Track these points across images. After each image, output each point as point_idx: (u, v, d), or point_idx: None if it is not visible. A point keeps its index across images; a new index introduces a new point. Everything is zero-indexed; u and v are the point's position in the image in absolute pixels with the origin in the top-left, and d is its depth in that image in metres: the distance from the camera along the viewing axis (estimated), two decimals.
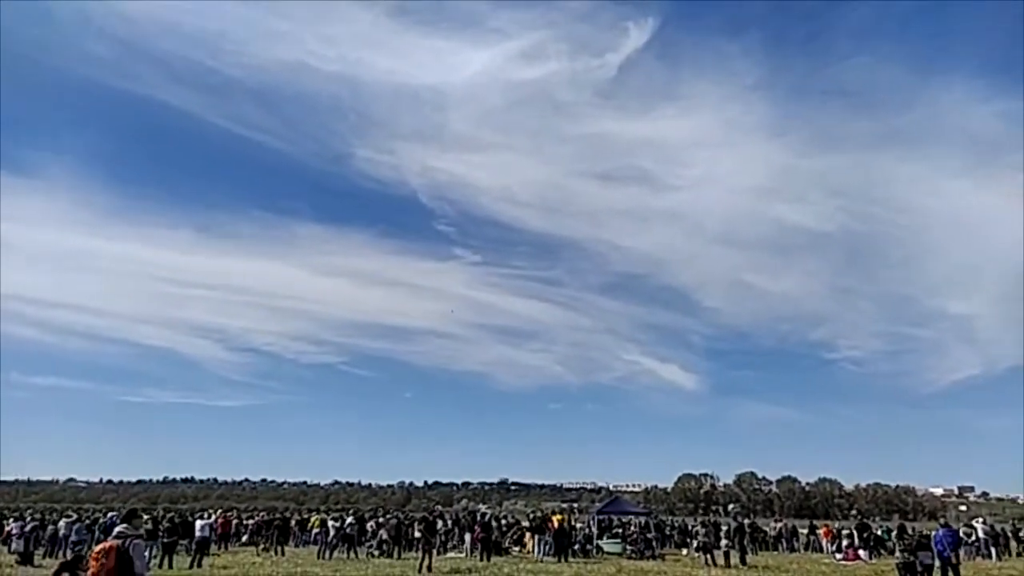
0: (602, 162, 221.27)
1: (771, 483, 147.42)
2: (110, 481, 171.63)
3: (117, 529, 7.79)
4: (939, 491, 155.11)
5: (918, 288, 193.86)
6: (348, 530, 30.38)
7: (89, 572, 7.39)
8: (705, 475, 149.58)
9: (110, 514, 34.76)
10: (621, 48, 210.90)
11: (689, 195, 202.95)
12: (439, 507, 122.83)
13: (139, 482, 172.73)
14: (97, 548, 7.58)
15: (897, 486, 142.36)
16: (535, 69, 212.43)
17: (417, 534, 27.40)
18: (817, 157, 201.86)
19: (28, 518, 29.78)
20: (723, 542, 26.73)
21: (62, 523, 30.37)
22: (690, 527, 37.72)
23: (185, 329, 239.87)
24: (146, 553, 7.78)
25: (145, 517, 24.70)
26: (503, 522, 37.98)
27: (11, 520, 32.15)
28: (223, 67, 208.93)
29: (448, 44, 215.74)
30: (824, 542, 38.06)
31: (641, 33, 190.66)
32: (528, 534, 31.12)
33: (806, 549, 38.91)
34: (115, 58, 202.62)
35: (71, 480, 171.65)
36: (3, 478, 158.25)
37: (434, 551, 23.80)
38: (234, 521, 38.89)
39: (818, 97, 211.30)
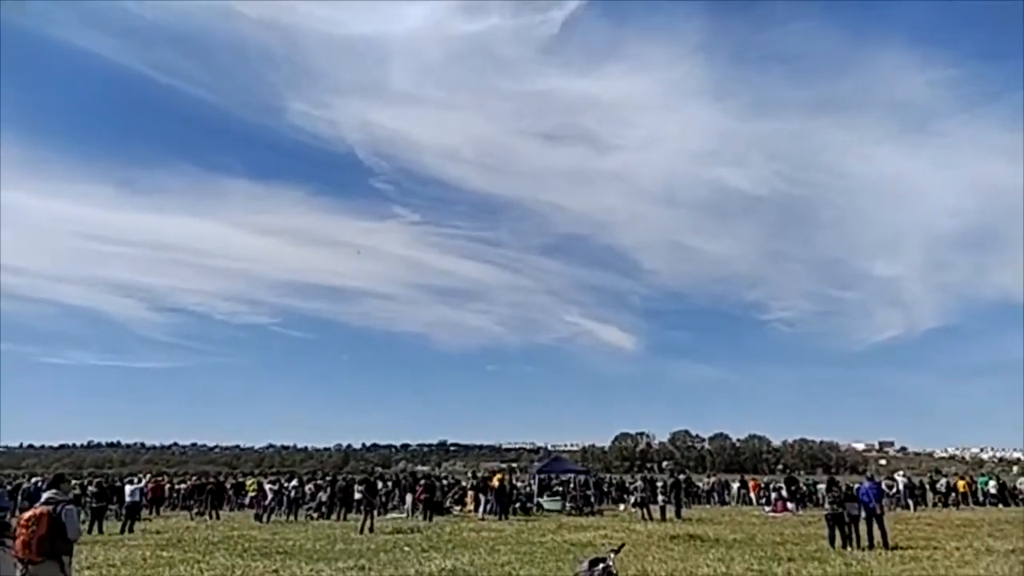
0: (545, 121, 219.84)
1: (703, 440, 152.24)
2: (31, 446, 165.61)
3: (46, 495, 7.35)
4: (861, 446, 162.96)
5: (847, 251, 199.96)
6: (293, 493, 30.02)
7: (19, 540, 6.98)
8: (641, 434, 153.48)
9: (34, 479, 33.43)
10: (565, 4, 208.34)
11: (632, 156, 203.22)
12: (379, 469, 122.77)
13: (62, 447, 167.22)
14: (26, 515, 7.17)
15: (822, 441, 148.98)
16: (476, 23, 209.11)
17: (358, 495, 27.16)
18: (757, 122, 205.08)
19: None
20: (659, 497, 27.35)
21: None
22: (627, 484, 38.55)
23: (108, 288, 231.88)
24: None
25: (72, 482, 23.76)
26: (444, 482, 38.10)
27: None
28: (144, 10, 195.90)
29: None
30: (753, 496, 39.55)
31: None
32: (470, 493, 31.28)
33: (737, 503, 40.27)
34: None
35: None
36: None
37: (375, 512, 23.65)
38: (166, 486, 37.97)
39: (757, 62, 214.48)
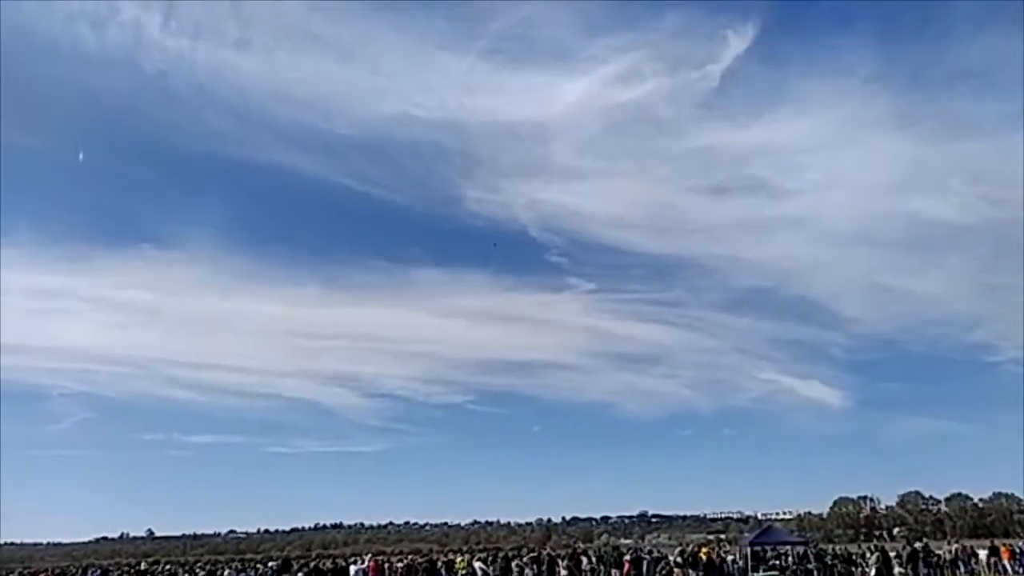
0: (712, 175, 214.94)
1: (939, 502, 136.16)
2: (267, 531, 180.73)
3: None
4: None
5: None
6: (500, 572, 30.60)
7: None
8: (864, 498, 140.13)
9: (270, 564, 36.54)
10: (721, 58, 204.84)
11: (811, 199, 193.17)
12: (581, 543, 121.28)
13: (293, 530, 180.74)
14: None
15: None
16: (633, 90, 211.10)
17: (564, 572, 27.05)
18: (951, 144, 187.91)
19: (198, 570, 31.79)
20: (896, 570, 24.83)
21: (226, 573, 32.19)
22: (854, 555, 35.26)
23: (322, 379, 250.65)
24: None
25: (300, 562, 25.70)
26: (649, 556, 36.96)
27: (183, 573, 34.37)
28: (334, 127, 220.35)
29: (543, 78, 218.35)
30: (1008, 563, 34.66)
31: (741, 40, 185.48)
32: (677, 571, 30.10)
33: (989, 572, 35.52)
34: (234, 129, 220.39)
35: (231, 532, 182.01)
36: (171, 533, 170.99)
37: None
38: (384, 565, 39.89)
39: (943, 81, 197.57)
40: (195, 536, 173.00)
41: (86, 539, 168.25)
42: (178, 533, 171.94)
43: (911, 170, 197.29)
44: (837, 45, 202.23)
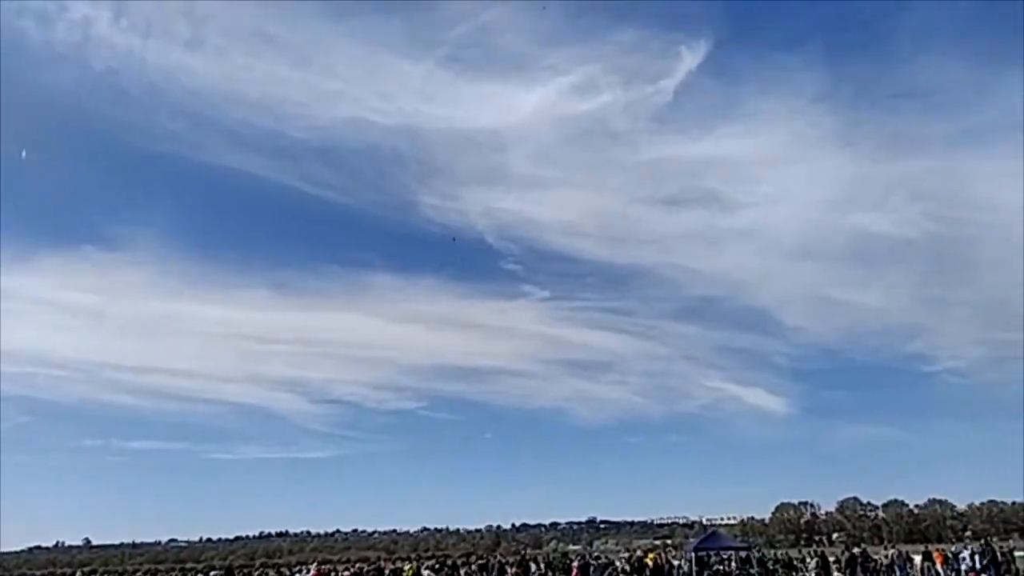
0: (666, 187, 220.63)
1: (877, 508, 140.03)
2: (209, 539, 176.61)
3: None
4: None
5: (1016, 290, 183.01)
6: None
7: None
8: (805, 503, 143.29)
9: (212, 573, 35.75)
10: (675, 72, 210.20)
11: (760, 212, 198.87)
12: (529, 550, 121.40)
13: (237, 539, 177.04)
14: None
15: (1014, 502, 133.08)
16: (589, 102, 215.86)
17: None
18: (893, 162, 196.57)
19: None
20: (835, 575, 25.52)
21: None
22: (794, 560, 36.10)
23: (269, 384, 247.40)
24: None
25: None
26: (597, 562, 37.24)
27: None
28: (287, 130, 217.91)
29: (501, 87, 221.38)
30: (940, 568, 35.86)
31: (695, 56, 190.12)
32: None
33: None
34: (185, 130, 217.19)
35: (172, 540, 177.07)
36: (109, 542, 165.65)
37: None
38: (331, 573, 39.42)
39: (886, 101, 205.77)
40: (134, 545, 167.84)
41: (19, 548, 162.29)
42: (116, 542, 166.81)
43: (855, 186, 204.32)
44: (787, 63, 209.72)
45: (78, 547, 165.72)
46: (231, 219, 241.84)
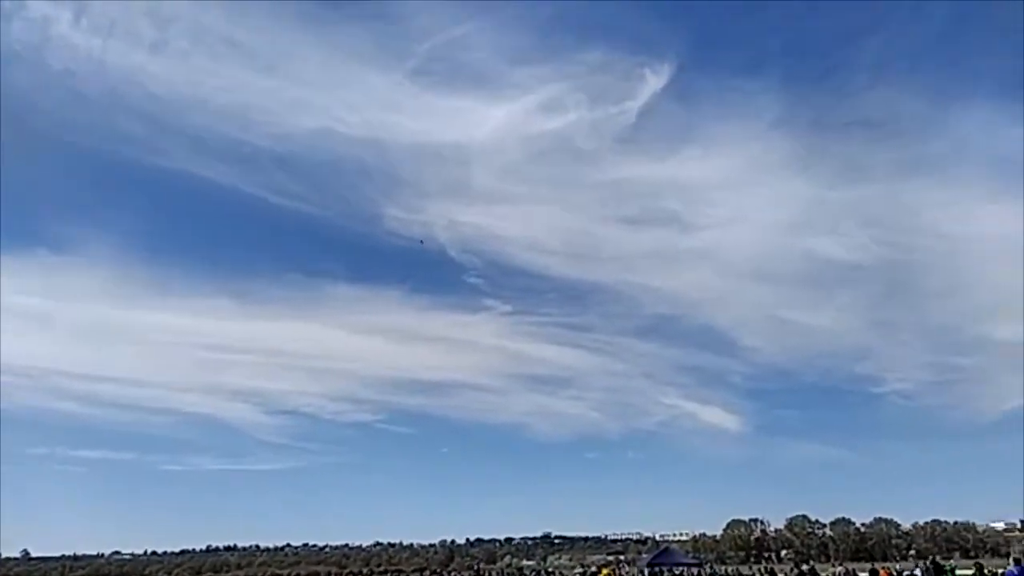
0: (627, 206, 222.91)
1: (824, 526, 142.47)
2: (154, 553, 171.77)
3: None
4: (1001, 525, 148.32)
5: (961, 316, 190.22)
6: None
7: None
8: (755, 520, 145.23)
9: None
10: (639, 94, 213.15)
11: (718, 233, 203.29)
12: (483, 565, 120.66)
13: (183, 552, 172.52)
14: None
15: (956, 522, 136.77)
16: (555, 120, 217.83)
17: None
18: (846, 188, 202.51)
19: None
20: None
21: None
22: None
23: (225, 395, 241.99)
24: None
25: None
26: None
27: None
28: (251, 138, 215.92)
29: (468, 102, 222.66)
30: None
31: (659, 79, 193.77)
32: None
33: None
34: (147, 135, 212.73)
35: (116, 553, 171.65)
36: (49, 554, 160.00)
37: None
38: None
39: (840, 130, 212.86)
40: (75, 557, 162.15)
41: None
42: (57, 554, 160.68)
43: (810, 211, 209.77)
44: (747, 89, 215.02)
45: (15, 559, 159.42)
46: (191, 226, 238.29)
